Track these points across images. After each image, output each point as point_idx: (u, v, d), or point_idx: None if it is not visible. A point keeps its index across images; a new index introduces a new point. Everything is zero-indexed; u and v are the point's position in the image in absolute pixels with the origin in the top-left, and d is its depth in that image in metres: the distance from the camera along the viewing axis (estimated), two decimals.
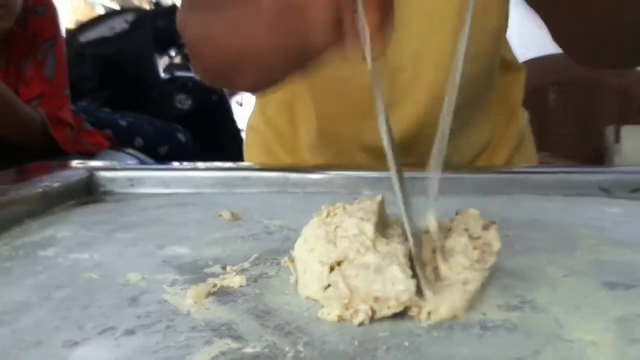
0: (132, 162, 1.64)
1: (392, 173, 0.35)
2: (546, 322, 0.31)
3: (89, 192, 0.65)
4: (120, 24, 2.44)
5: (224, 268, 0.40)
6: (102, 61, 2.35)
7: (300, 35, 0.41)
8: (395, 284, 0.32)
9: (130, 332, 0.31)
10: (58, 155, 1.45)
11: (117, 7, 4.30)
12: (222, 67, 0.57)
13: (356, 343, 0.29)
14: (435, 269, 0.35)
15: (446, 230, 0.38)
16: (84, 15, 4.13)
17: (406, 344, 0.29)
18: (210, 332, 0.31)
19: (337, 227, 0.36)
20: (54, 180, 0.61)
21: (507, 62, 0.79)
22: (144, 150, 1.85)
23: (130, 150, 1.76)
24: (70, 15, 4.38)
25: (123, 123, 1.93)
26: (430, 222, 0.40)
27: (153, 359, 0.28)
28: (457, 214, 0.39)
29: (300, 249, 0.37)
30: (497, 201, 0.59)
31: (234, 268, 0.40)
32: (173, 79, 2.58)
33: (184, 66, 2.82)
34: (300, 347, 0.29)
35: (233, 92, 2.88)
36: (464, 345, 0.29)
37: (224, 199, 0.61)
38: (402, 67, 0.68)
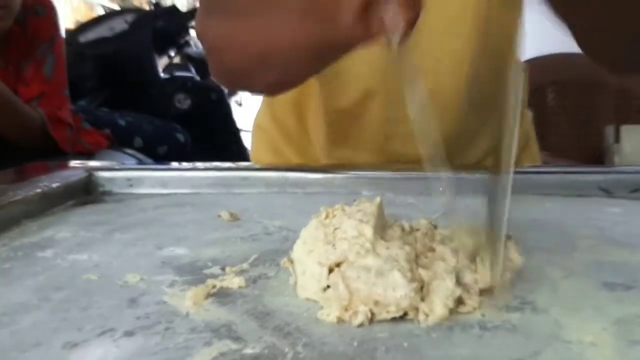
0: (131, 162, 1.64)
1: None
2: (546, 323, 0.31)
3: (87, 192, 0.65)
4: (119, 25, 2.44)
5: (223, 269, 0.40)
6: (102, 61, 2.35)
7: (329, 29, 0.42)
8: (396, 290, 0.32)
9: (129, 333, 0.31)
10: (57, 155, 1.44)
11: (116, 7, 4.30)
12: (245, 68, 0.57)
13: (355, 344, 0.29)
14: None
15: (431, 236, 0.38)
16: (84, 16, 4.14)
17: (405, 345, 0.29)
18: (210, 333, 0.30)
19: (336, 228, 0.36)
20: (52, 181, 0.61)
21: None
22: (143, 150, 1.84)
23: (129, 150, 1.76)
24: (70, 16, 4.38)
25: (122, 123, 1.92)
26: (422, 224, 0.40)
27: None
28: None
29: (299, 251, 0.37)
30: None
31: (233, 269, 0.40)
32: (172, 79, 2.58)
33: (184, 66, 2.82)
34: (299, 348, 0.29)
35: (232, 92, 2.87)
36: (463, 346, 0.29)
37: (223, 199, 0.61)
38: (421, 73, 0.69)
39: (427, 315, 0.31)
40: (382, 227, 0.38)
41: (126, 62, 2.41)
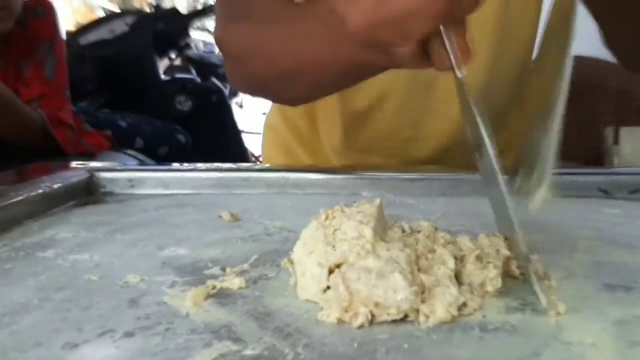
0: (132, 163, 1.64)
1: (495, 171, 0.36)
2: (546, 324, 0.31)
3: (89, 193, 0.65)
4: (120, 27, 2.44)
5: (223, 270, 0.40)
6: (102, 63, 2.36)
7: (381, 56, 0.42)
8: (397, 292, 0.32)
9: (129, 334, 0.31)
10: (58, 156, 1.45)
11: (117, 9, 4.31)
12: (272, 79, 0.57)
13: (355, 345, 0.29)
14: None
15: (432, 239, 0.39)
16: (84, 18, 4.14)
17: (405, 346, 0.29)
18: (210, 334, 0.31)
19: (336, 230, 0.36)
20: (54, 181, 0.61)
21: None
22: (144, 150, 1.85)
23: (130, 151, 1.76)
24: (70, 18, 4.38)
25: (123, 124, 1.93)
26: (424, 226, 0.40)
27: None
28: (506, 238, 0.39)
29: (299, 252, 0.37)
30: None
31: (233, 270, 0.40)
32: (173, 81, 2.58)
33: (184, 68, 2.83)
34: (299, 349, 0.29)
35: (233, 94, 2.88)
36: (463, 348, 0.29)
37: (223, 200, 0.61)
38: (436, 79, 0.69)
39: (427, 316, 0.32)
40: (382, 229, 0.38)
41: (127, 64, 2.41)
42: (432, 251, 0.37)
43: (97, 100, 2.31)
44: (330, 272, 0.34)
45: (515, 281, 0.37)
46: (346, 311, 0.32)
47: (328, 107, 0.75)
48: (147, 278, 0.39)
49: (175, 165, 0.75)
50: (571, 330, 0.31)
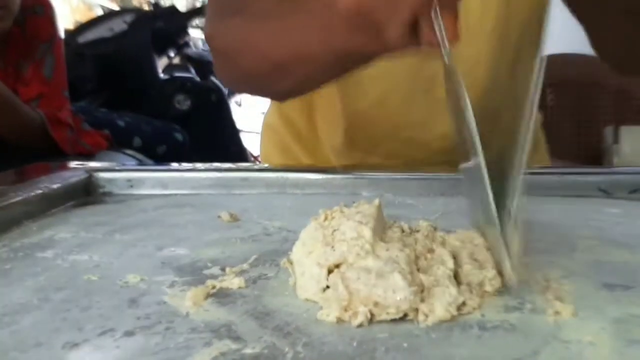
0: (130, 163, 1.64)
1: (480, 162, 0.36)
2: (544, 323, 0.32)
3: (88, 193, 0.65)
4: (119, 25, 2.44)
5: (223, 269, 0.40)
6: (101, 62, 2.35)
7: (371, 40, 0.42)
8: (397, 292, 0.32)
9: (129, 333, 0.31)
10: (57, 156, 1.45)
11: (116, 7, 4.30)
12: (262, 74, 0.57)
13: (355, 344, 0.29)
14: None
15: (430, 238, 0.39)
16: (83, 16, 4.14)
17: (405, 345, 0.29)
18: (210, 334, 0.31)
19: (335, 230, 0.36)
20: (53, 182, 0.61)
21: None
22: (142, 150, 1.85)
23: (129, 151, 1.76)
24: (69, 16, 4.38)
25: (121, 123, 1.93)
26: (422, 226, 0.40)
27: None
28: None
29: (298, 252, 0.37)
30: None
31: (233, 269, 0.40)
32: (172, 80, 2.58)
33: (183, 67, 2.82)
34: (299, 348, 0.29)
35: (232, 93, 2.87)
36: (462, 346, 0.29)
37: (222, 200, 0.61)
38: (438, 80, 0.69)
39: (426, 315, 0.32)
40: (381, 229, 0.38)
41: (125, 63, 2.41)
42: (431, 251, 0.37)
43: (96, 99, 2.31)
44: (330, 272, 0.34)
45: (514, 280, 0.37)
46: (345, 310, 0.32)
47: (328, 107, 0.75)
48: (146, 278, 0.39)
49: (174, 165, 0.75)
50: (570, 329, 0.31)
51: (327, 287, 0.34)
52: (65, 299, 0.36)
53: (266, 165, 0.87)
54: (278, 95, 0.65)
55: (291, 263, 0.38)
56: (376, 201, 0.40)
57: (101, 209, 0.59)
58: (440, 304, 0.32)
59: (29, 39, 1.50)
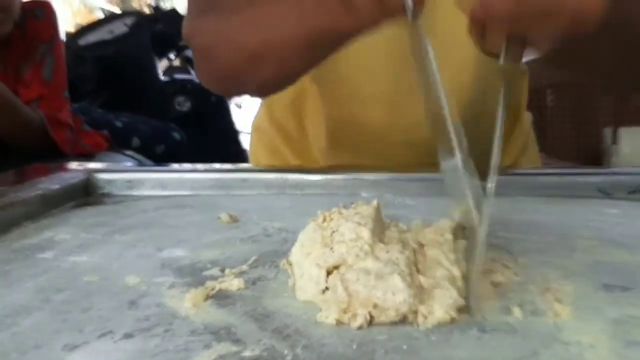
0: (130, 163, 1.64)
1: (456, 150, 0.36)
2: (544, 324, 0.32)
3: (87, 194, 0.65)
4: (119, 28, 2.44)
5: (222, 271, 0.40)
6: (102, 64, 2.36)
7: (340, 15, 0.43)
8: (396, 294, 0.32)
9: (129, 335, 0.31)
10: (57, 156, 1.45)
11: (116, 10, 4.30)
12: (238, 67, 0.57)
13: (354, 346, 0.29)
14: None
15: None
16: (84, 19, 4.14)
17: (404, 347, 0.29)
18: (209, 336, 0.31)
19: (334, 231, 0.36)
20: (52, 183, 0.61)
21: None
22: (140, 150, 1.85)
23: (128, 152, 1.76)
24: (70, 19, 4.38)
25: (119, 124, 1.93)
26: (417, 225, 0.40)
27: None
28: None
29: (297, 254, 0.37)
30: (495, 203, 0.59)
31: (232, 271, 0.40)
32: (172, 82, 2.58)
33: (183, 69, 2.82)
34: (298, 350, 0.29)
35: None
36: (461, 348, 0.29)
37: (222, 201, 0.61)
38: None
39: (425, 317, 0.32)
40: (380, 230, 0.38)
41: (126, 65, 2.41)
42: (421, 246, 0.37)
43: (96, 101, 2.31)
44: (329, 273, 0.34)
45: (513, 282, 0.37)
46: (345, 312, 0.32)
47: (315, 110, 0.75)
48: (146, 279, 0.39)
49: (174, 166, 0.75)
50: (569, 331, 0.31)
51: (327, 288, 0.34)
52: (65, 300, 0.36)
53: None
54: (257, 89, 0.65)
55: (290, 264, 0.38)
56: (374, 202, 0.40)
57: (101, 210, 0.59)
58: (440, 306, 0.32)
59: (29, 42, 1.51)
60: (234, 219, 0.53)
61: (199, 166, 0.70)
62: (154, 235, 0.49)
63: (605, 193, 0.62)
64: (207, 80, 0.64)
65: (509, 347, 0.29)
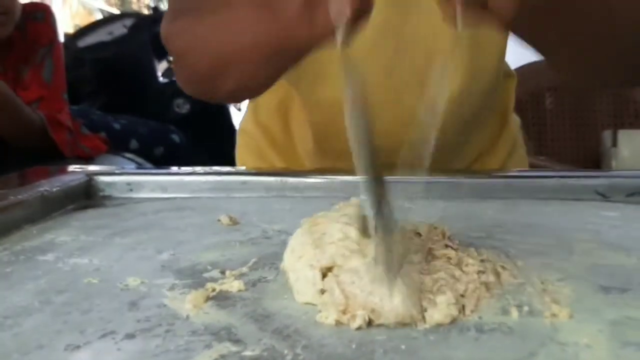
0: (129, 166, 1.64)
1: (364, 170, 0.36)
2: (541, 325, 0.32)
3: (88, 196, 0.65)
4: (118, 29, 2.45)
5: (222, 273, 0.40)
6: (101, 65, 2.36)
7: (277, 26, 0.42)
8: (394, 300, 0.32)
9: (130, 336, 0.31)
10: (56, 159, 1.45)
11: (115, 12, 4.31)
12: (206, 73, 0.56)
13: (354, 346, 0.30)
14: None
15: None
16: (83, 20, 4.14)
17: (403, 347, 0.30)
18: (210, 336, 0.31)
19: (323, 234, 0.36)
20: (53, 185, 0.61)
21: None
22: (139, 152, 1.85)
23: (128, 155, 1.77)
24: (68, 21, 4.38)
25: (117, 126, 1.93)
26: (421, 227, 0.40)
27: None
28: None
29: (288, 259, 0.38)
30: (494, 205, 0.59)
31: (232, 272, 0.40)
32: (171, 83, 2.58)
33: None
34: (298, 350, 0.29)
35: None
36: (460, 349, 0.29)
37: (222, 203, 0.62)
38: (408, 88, 0.68)
39: (424, 318, 0.32)
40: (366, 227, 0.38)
41: (125, 66, 2.41)
42: (429, 251, 0.37)
43: (96, 102, 2.31)
44: (324, 275, 0.34)
45: (511, 283, 0.38)
46: (344, 313, 0.32)
47: (301, 112, 0.75)
48: (147, 281, 0.39)
49: (174, 169, 0.75)
50: (566, 331, 0.31)
51: (323, 290, 0.34)
52: (66, 301, 0.36)
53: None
54: (226, 95, 0.64)
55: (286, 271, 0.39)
56: (356, 200, 0.40)
57: (101, 213, 0.59)
58: (439, 307, 0.32)
59: (29, 44, 1.51)
60: (234, 222, 0.54)
61: (199, 169, 0.71)
62: (154, 238, 0.49)
63: (604, 196, 0.62)
64: (184, 84, 0.63)
65: (506, 347, 0.29)
